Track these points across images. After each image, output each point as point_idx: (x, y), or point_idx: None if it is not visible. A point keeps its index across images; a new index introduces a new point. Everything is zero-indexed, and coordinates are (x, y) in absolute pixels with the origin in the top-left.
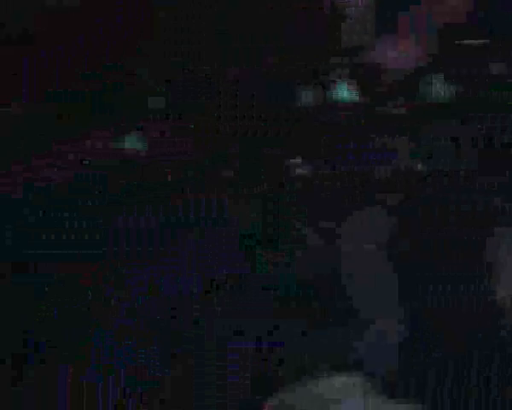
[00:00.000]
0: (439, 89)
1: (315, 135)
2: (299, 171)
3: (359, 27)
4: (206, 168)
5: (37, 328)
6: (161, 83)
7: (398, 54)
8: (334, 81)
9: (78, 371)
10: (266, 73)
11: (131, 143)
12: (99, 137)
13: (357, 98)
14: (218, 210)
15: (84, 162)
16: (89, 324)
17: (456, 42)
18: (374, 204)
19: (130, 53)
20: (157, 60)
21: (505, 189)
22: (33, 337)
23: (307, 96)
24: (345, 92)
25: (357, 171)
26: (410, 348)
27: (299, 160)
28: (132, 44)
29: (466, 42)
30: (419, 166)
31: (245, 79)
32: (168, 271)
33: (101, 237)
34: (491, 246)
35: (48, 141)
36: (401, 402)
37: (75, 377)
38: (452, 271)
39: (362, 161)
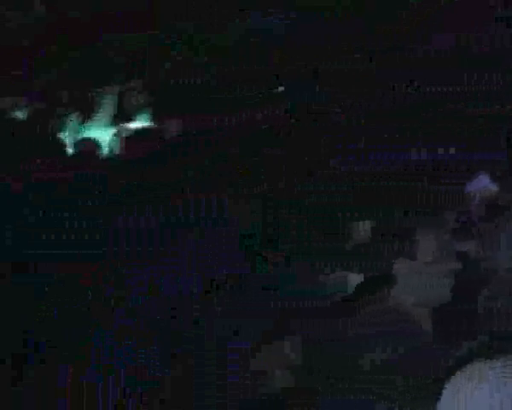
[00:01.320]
0: None
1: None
2: None
3: None
4: (206, 168)
5: (37, 328)
6: None
7: None
8: None
9: (78, 371)
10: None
11: None
12: None
13: None
14: (218, 210)
15: None
16: (89, 324)
17: None
18: None
19: None
20: None
21: None
22: (33, 337)
23: None
24: None
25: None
26: None
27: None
28: None
29: None
30: None
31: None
32: (168, 271)
33: (101, 237)
34: None
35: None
36: None
37: (75, 377)
38: None
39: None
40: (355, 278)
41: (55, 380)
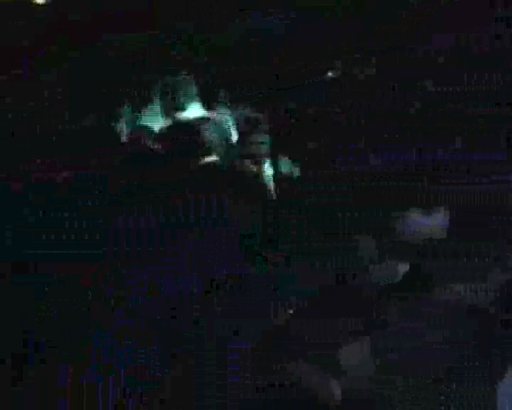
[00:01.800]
0: None
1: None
2: None
3: None
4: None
5: (37, 328)
6: None
7: None
8: None
9: (78, 371)
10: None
11: None
12: None
13: None
14: (218, 210)
15: None
16: (89, 324)
17: None
18: None
19: None
20: None
21: None
22: (33, 337)
23: None
24: None
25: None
26: None
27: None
28: None
29: None
30: None
31: None
32: (168, 271)
33: (101, 237)
34: None
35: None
36: None
37: (75, 377)
38: None
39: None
40: (404, 268)
41: (55, 380)
